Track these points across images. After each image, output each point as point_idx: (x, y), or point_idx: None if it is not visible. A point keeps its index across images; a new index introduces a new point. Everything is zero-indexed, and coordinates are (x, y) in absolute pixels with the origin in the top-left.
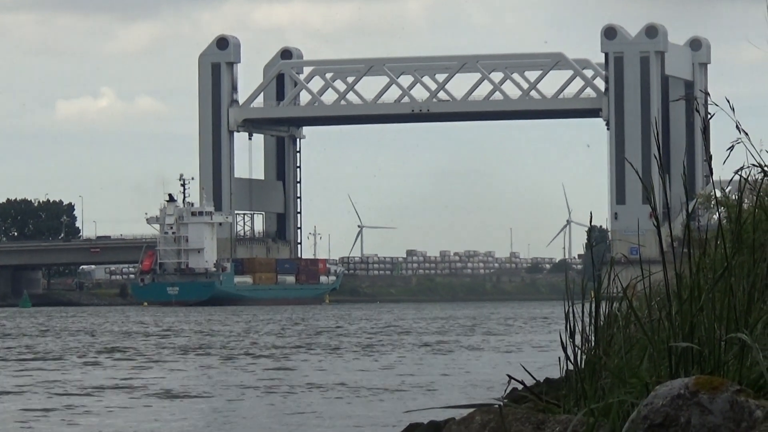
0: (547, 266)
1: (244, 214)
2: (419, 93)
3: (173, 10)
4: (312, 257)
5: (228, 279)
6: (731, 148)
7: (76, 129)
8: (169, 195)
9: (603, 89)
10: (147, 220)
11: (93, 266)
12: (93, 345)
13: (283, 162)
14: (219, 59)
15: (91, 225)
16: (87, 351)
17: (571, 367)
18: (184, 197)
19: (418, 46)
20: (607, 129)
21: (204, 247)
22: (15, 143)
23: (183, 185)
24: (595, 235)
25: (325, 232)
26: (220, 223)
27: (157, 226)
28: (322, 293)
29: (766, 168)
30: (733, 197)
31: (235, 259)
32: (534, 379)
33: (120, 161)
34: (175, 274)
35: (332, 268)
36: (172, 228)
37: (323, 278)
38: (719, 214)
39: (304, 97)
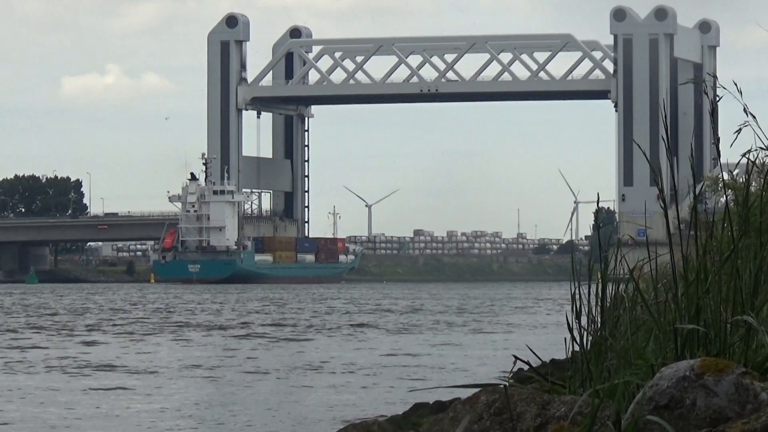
0: (554, 247)
1: (251, 192)
2: (428, 73)
3: None
4: (331, 236)
5: (249, 257)
6: (739, 131)
7: (82, 106)
8: (191, 174)
9: (612, 71)
10: (169, 198)
11: (100, 243)
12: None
13: (291, 140)
14: (228, 37)
15: (98, 202)
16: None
17: (577, 348)
18: (206, 176)
19: (424, 26)
20: (616, 111)
21: (225, 225)
22: (22, 119)
23: (205, 164)
24: (603, 217)
25: (333, 211)
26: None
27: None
28: (341, 272)
29: None
30: (741, 180)
31: (256, 238)
32: (540, 359)
33: (127, 138)
34: (196, 251)
35: (350, 247)
36: (194, 206)
37: (342, 257)
38: (726, 197)
39: (313, 76)
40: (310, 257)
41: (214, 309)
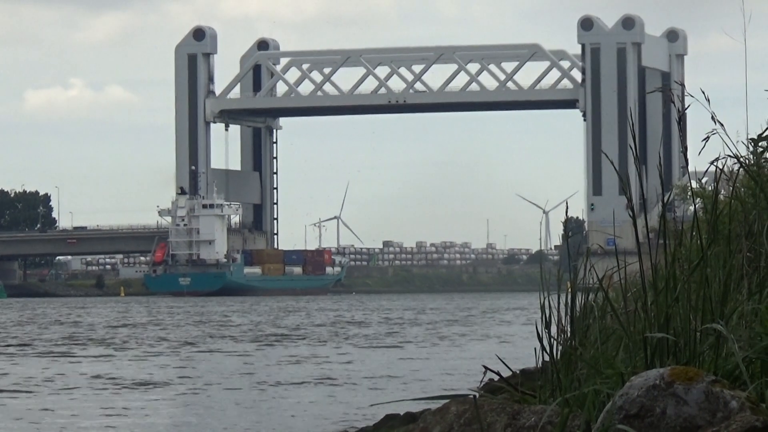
0: (524, 257)
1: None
2: (396, 84)
3: (141, 0)
4: (317, 249)
5: (238, 270)
6: (707, 139)
7: (46, 119)
8: (181, 188)
9: (580, 80)
10: (159, 212)
11: (69, 257)
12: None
13: (259, 153)
14: (195, 50)
15: (67, 216)
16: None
17: (547, 358)
18: (196, 190)
19: (389, 36)
20: (584, 120)
21: (215, 238)
22: None
23: (195, 178)
24: (572, 226)
25: (301, 223)
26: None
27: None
28: (328, 284)
29: (741, 159)
30: (709, 188)
31: (245, 251)
32: (510, 369)
33: (94, 152)
34: (186, 265)
35: (337, 259)
36: (183, 220)
37: (329, 269)
38: (695, 205)
39: (281, 88)
40: (297, 269)
41: (190, 322)
